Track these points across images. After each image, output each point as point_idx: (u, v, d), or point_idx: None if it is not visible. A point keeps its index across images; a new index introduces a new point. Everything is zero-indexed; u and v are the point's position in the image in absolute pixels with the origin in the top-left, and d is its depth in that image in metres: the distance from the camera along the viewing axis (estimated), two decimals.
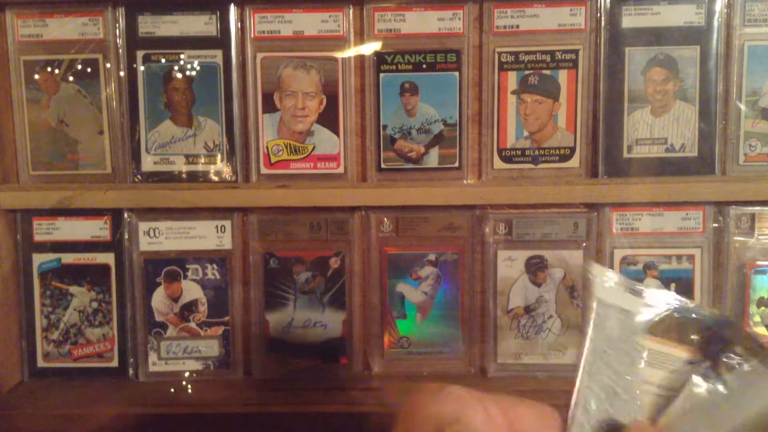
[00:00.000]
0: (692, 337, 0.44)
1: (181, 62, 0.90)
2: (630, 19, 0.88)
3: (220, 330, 0.94)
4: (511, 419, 0.37)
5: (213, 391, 0.91)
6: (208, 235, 0.93)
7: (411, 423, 0.36)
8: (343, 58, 0.89)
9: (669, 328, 0.44)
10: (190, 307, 0.93)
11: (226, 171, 0.91)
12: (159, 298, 0.93)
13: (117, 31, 0.90)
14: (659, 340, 0.44)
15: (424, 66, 0.89)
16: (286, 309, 0.93)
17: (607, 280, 0.45)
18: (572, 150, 0.90)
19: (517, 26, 0.88)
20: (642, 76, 0.89)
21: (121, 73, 0.90)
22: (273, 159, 0.91)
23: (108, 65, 0.90)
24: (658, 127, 0.89)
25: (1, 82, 0.91)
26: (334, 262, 0.93)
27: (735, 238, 0.90)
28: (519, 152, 0.91)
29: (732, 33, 0.88)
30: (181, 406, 0.87)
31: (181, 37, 0.90)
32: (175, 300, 0.93)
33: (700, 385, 0.42)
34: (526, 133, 0.90)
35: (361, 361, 0.94)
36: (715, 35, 0.88)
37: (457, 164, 0.91)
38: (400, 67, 0.89)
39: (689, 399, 0.42)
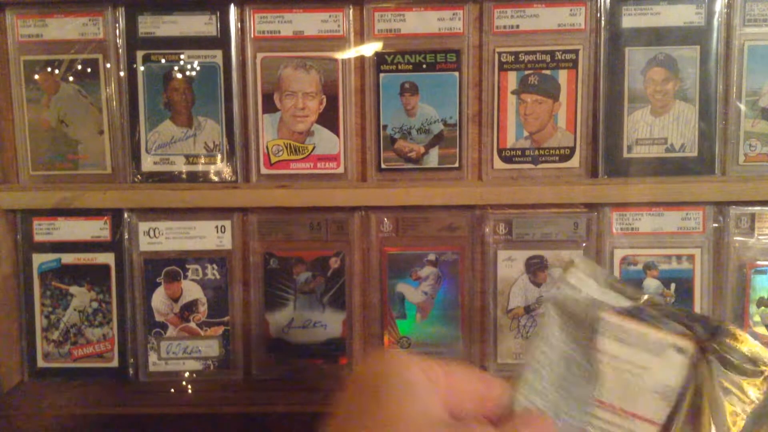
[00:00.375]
0: (678, 324, 0.43)
1: (181, 62, 0.90)
2: (630, 19, 0.88)
3: (220, 330, 0.94)
4: (452, 379, 0.39)
5: (213, 391, 0.91)
6: (208, 235, 0.93)
7: (354, 384, 0.38)
8: (343, 58, 0.89)
9: (647, 314, 0.44)
10: (190, 307, 0.93)
11: (226, 171, 0.91)
12: (159, 298, 0.93)
13: (117, 31, 0.90)
14: (633, 321, 0.43)
15: (424, 66, 0.89)
16: (286, 309, 0.93)
17: (586, 271, 0.45)
18: (572, 150, 0.90)
19: (517, 26, 0.88)
20: (642, 76, 0.89)
21: (121, 73, 0.90)
22: (273, 159, 0.91)
23: (108, 65, 0.90)
24: (658, 127, 0.89)
25: (1, 82, 0.91)
26: (334, 262, 0.93)
27: (735, 238, 0.90)
28: (519, 152, 0.91)
29: (732, 33, 0.88)
30: (181, 406, 0.87)
31: (181, 37, 0.90)
32: (175, 300, 0.93)
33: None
34: (526, 133, 0.90)
35: (361, 361, 0.94)
36: (715, 35, 0.88)
37: (457, 164, 0.91)
38: (400, 67, 0.89)
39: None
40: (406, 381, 0.37)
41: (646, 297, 0.44)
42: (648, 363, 0.42)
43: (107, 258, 0.93)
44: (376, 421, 0.35)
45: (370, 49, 0.89)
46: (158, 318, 0.93)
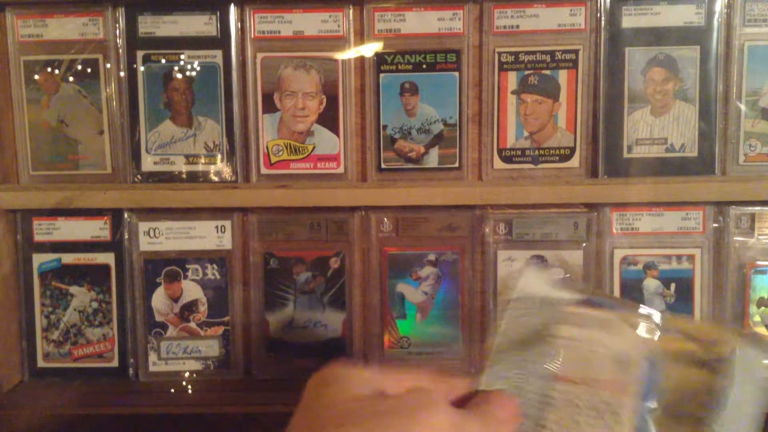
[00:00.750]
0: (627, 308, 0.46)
1: (181, 62, 0.90)
2: (630, 19, 0.88)
3: (220, 330, 0.94)
4: (399, 378, 0.41)
5: (213, 391, 0.91)
6: (208, 235, 0.93)
7: (303, 397, 0.41)
8: (343, 59, 0.89)
9: (599, 301, 0.47)
10: (190, 307, 0.93)
11: (226, 171, 0.91)
12: (159, 298, 0.93)
13: (117, 31, 0.90)
14: (587, 308, 0.47)
15: (424, 66, 0.89)
16: (286, 309, 0.93)
17: (536, 276, 0.49)
18: (572, 150, 0.90)
19: (517, 26, 0.88)
20: (642, 76, 0.89)
21: (121, 73, 0.90)
22: (273, 159, 0.91)
23: (108, 65, 0.90)
24: (658, 127, 0.89)
25: (1, 82, 0.91)
26: (334, 262, 0.93)
27: (735, 238, 0.90)
28: (519, 152, 0.91)
29: (732, 33, 0.88)
30: (181, 406, 0.87)
31: (181, 37, 0.90)
32: (175, 300, 0.93)
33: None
34: (526, 133, 0.90)
35: (361, 361, 0.94)
36: (715, 35, 0.88)
37: (457, 164, 0.91)
38: (400, 67, 0.89)
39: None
40: (342, 377, 0.39)
41: (592, 290, 0.47)
42: (604, 339, 0.45)
43: (107, 258, 0.93)
44: (311, 413, 0.37)
45: (370, 49, 0.89)
46: (158, 318, 0.93)
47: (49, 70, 0.91)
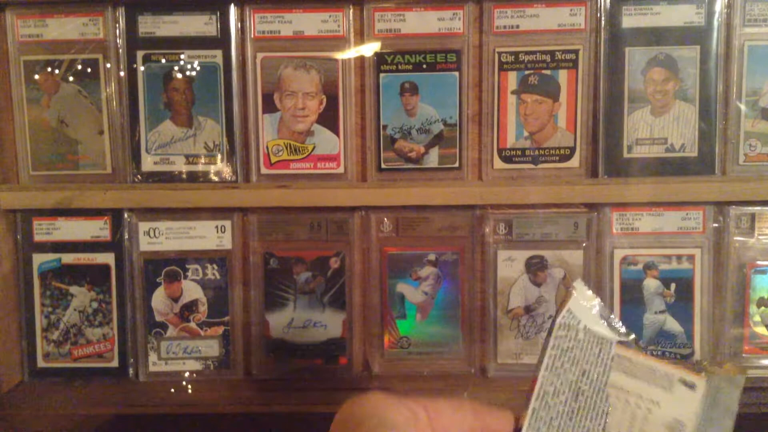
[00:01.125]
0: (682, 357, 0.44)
1: (181, 62, 0.90)
2: (630, 19, 0.88)
3: (220, 330, 0.94)
4: (437, 416, 0.39)
5: (213, 391, 0.91)
6: (208, 235, 0.93)
7: (337, 427, 0.39)
8: (343, 58, 0.89)
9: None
10: (190, 307, 0.93)
11: (226, 171, 0.91)
12: (159, 298, 0.93)
13: (117, 31, 0.90)
14: (641, 353, 0.44)
15: (424, 66, 0.89)
16: (286, 309, 0.93)
17: (585, 299, 0.45)
18: (572, 150, 0.90)
19: (517, 26, 0.88)
20: (642, 76, 0.89)
21: (121, 73, 0.90)
22: (273, 159, 0.91)
23: (108, 65, 0.90)
24: (658, 127, 0.89)
25: (1, 82, 0.91)
26: (334, 262, 0.93)
27: (735, 238, 0.90)
28: (519, 152, 0.91)
29: (732, 33, 0.88)
30: (181, 406, 0.87)
31: (181, 37, 0.90)
32: (175, 300, 0.93)
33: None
34: (526, 133, 0.90)
35: (361, 361, 0.94)
36: (715, 35, 0.88)
37: (457, 164, 0.91)
38: (400, 67, 0.89)
39: None
40: (384, 422, 0.37)
41: (632, 337, 0.45)
42: (657, 397, 0.42)
43: (107, 258, 0.93)
44: None
45: (370, 49, 0.89)
46: (158, 318, 0.93)
47: (49, 70, 0.91)
